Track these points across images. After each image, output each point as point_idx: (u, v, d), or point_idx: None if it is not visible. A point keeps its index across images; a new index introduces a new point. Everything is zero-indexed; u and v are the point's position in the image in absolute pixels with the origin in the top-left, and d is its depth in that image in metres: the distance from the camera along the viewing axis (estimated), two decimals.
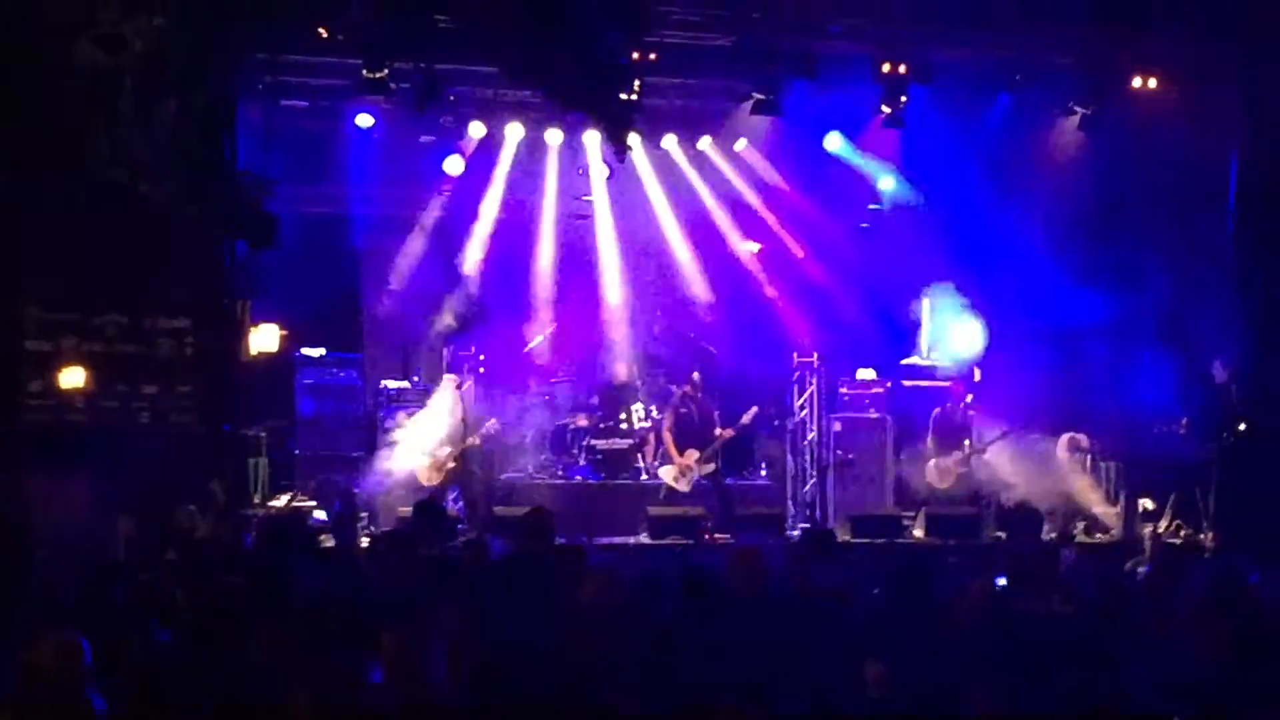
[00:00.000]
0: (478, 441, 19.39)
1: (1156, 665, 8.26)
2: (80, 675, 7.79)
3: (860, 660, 7.66)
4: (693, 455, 19.73)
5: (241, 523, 16.51)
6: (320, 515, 18.39)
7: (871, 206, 23.34)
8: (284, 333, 20.45)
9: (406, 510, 16.72)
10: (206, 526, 15.65)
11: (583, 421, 21.66)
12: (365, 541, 16.12)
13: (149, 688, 7.94)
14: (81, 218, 16.64)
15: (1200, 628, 6.80)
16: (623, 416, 21.75)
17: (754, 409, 20.32)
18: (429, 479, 19.06)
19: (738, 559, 8.91)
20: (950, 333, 21.98)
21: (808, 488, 21.09)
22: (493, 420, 19.79)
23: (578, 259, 22.93)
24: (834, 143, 22.41)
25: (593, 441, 21.20)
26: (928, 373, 22.07)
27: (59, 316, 17.72)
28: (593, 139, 21.85)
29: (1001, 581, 10.36)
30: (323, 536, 15.93)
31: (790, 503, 20.95)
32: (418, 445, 19.30)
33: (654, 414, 21.53)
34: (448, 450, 19.23)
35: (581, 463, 21.08)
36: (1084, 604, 10.04)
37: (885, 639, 7.87)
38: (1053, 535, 19.18)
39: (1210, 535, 18.65)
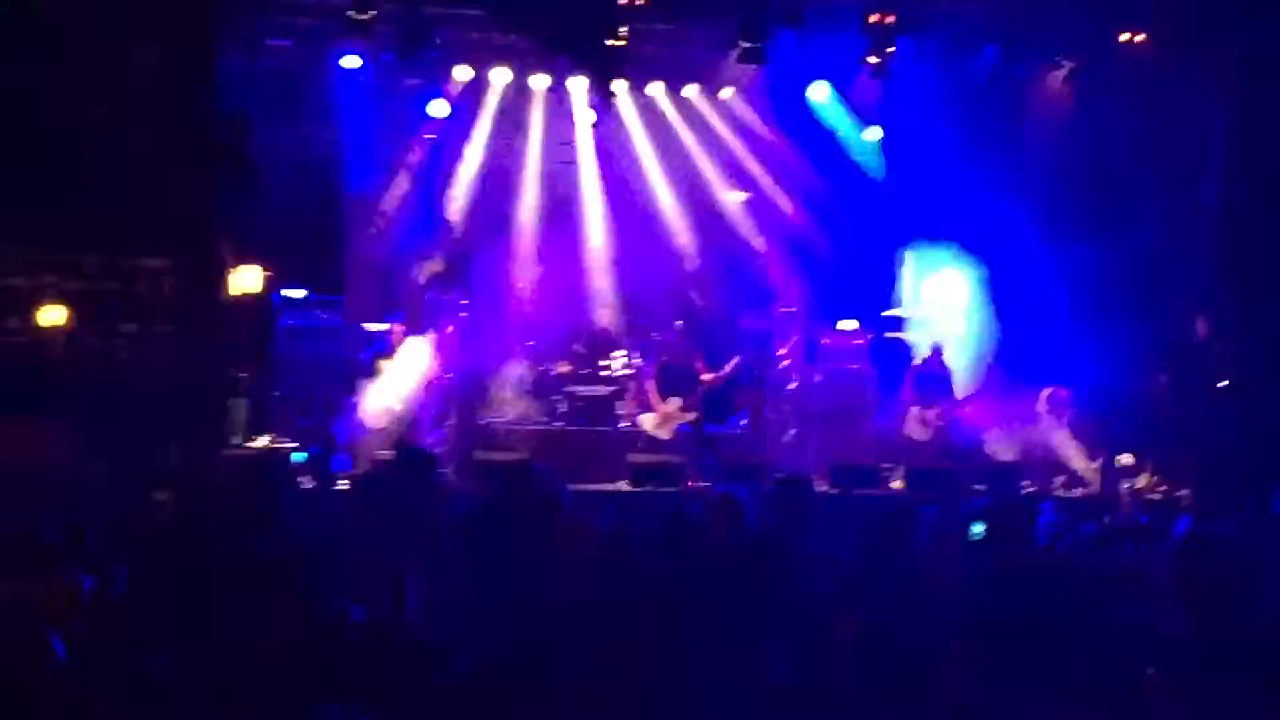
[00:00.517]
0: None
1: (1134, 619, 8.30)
2: (40, 617, 7.79)
3: (834, 613, 7.68)
4: (674, 403, 19.72)
5: (222, 463, 16.48)
6: (300, 456, 18.33)
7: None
8: (266, 273, 20.36)
9: (385, 453, 16.71)
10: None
11: (564, 368, 21.62)
12: (344, 484, 16.14)
13: (111, 630, 7.93)
14: (60, 157, 16.55)
15: (1176, 581, 6.80)
16: (604, 363, 21.74)
17: (737, 358, 20.34)
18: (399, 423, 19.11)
19: (717, 506, 8.90)
20: (934, 286, 21.98)
21: (788, 438, 21.06)
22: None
23: (562, 206, 22.85)
24: (818, 93, 22.34)
25: (574, 388, 21.17)
26: (910, 324, 22.04)
27: (37, 253, 17.64)
28: (579, 85, 21.75)
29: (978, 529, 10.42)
30: (302, 478, 15.97)
31: (771, 452, 20.92)
32: (393, 390, 19.33)
33: (636, 361, 21.52)
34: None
35: (562, 409, 21.05)
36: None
37: (860, 593, 7.89)
38: (1032, 490, 19.21)
39: (1189, 491, 18.72)
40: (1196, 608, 6.93)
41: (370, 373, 19.51)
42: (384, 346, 20.00)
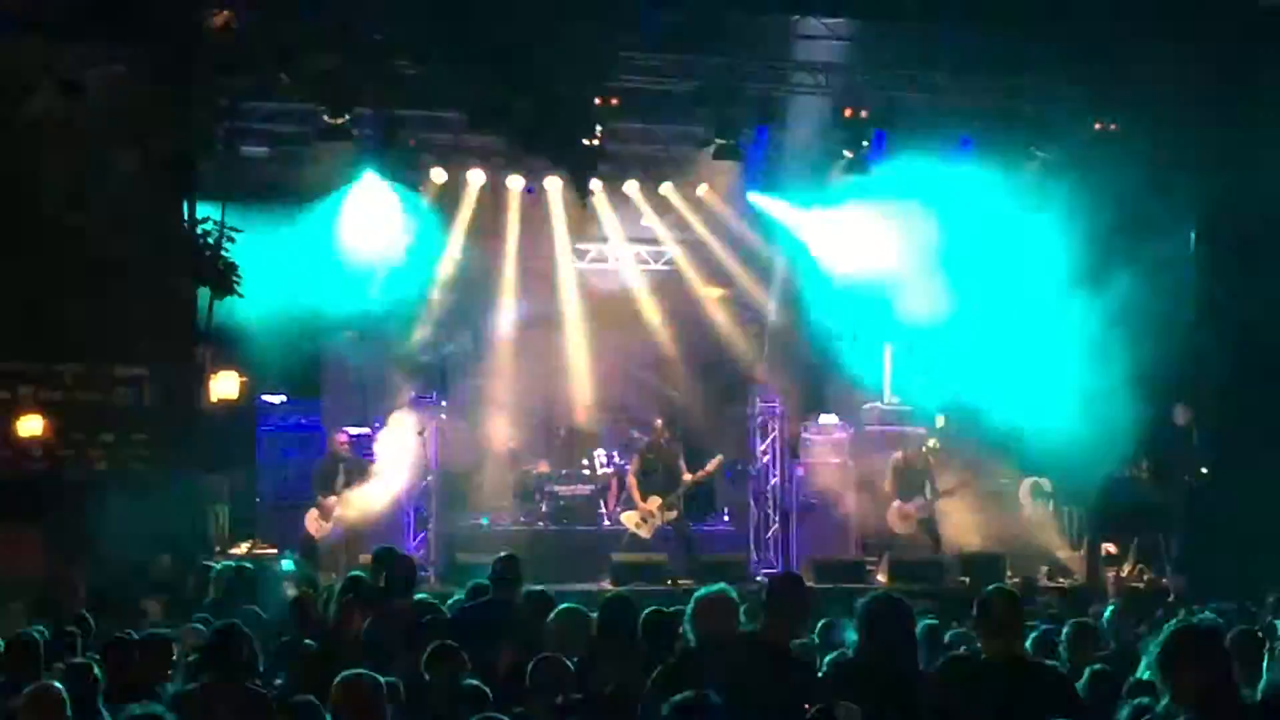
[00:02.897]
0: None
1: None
2: None
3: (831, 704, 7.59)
4: (655, 501, 19.67)
5: (203, 572, 16.35)
6: (288, 565, 18.24)
7: None
8: (244, 379, 20.31)
9: (366, 557, 16.61)
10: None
11: (544, 468, 21.58)
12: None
13: None
14: (39, 265, 16.52)
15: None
16: (585, 463, 21.72)
17: (719, 456, 20.32)
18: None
19: (707, 603, 8.81)
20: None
21: (770, 533, 21.01)
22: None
23: (540, 305, 22.86)
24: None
25: (555, 488, 21.13)
26: (890, 418, 22.05)
27: (16, 365, 17.58)
28: (554, 184, 21.82)
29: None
30: (285, 584, 15.86)
31: (753, 548, 20.85)
32: (378, 493, 19.31)
33: (615, 460, 21.50)
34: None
35: (544, 509, 20.99)
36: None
37: (859, 683, 7.81)
38: (1016, 580, 19.15)
39: (1174, 579, 18.70)
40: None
41: (350, 477, 19.45)
42: (363, 451, 19.99)
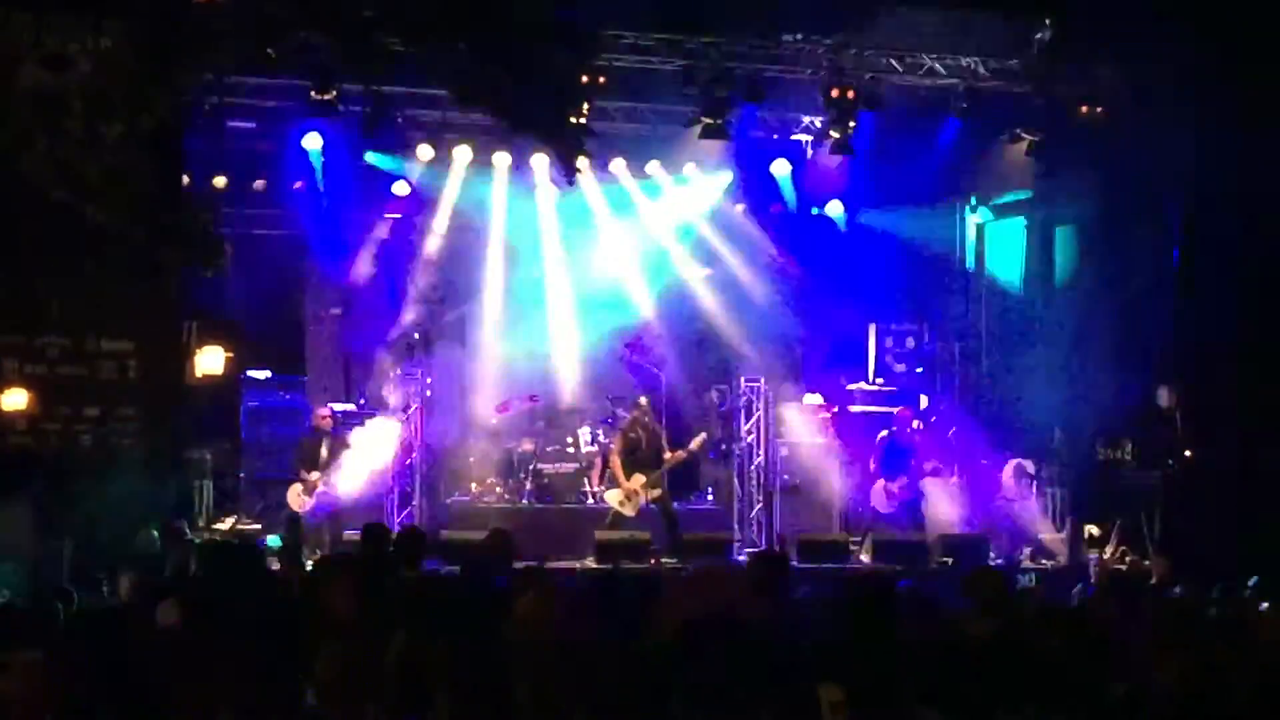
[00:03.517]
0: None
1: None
2: (48, 695, 7.74)
3: (813, 684, 7.62)
4: (639, 480, 19.67)
5: (187, 547, 16.37)
6: (270, 539, 18.26)
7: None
8: (229, 355, 20.31)
9: (353, 534, 16.63)
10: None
11: (528, 446, 21.59)
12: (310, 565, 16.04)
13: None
14: (24, 239, 16.51)
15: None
16: (569, 440, 21.74)
17: (702, 434, 20.34)
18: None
19: (694, 581, 8.88)
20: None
21: (754, 512, 21.05)
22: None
23: (527, 282, 22.84)
24: (781, 169, 22.53)
25: (539, 466, 21.16)
26: (875, 398, 22.11)
27: (0, 339, 17.56)
28: (541, 162, 21.80)
29: None
30: (269, 559, 15.86)
31: (736, 527, 20.89)
32: (362, 469, 19.33)
33: (600, 438, 21.52)
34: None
35: (528, 487, 21.01)
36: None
37: (841, 662, 7.84)
38: (999, 561, 19.23)
39: (1156, 561, 18.74)
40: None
41: (334, 454, 19.44)
42: (347, 427, 19.99)
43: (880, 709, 6.84)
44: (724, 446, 21.60)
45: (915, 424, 21.08)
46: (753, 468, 21.18)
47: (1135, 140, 19.45)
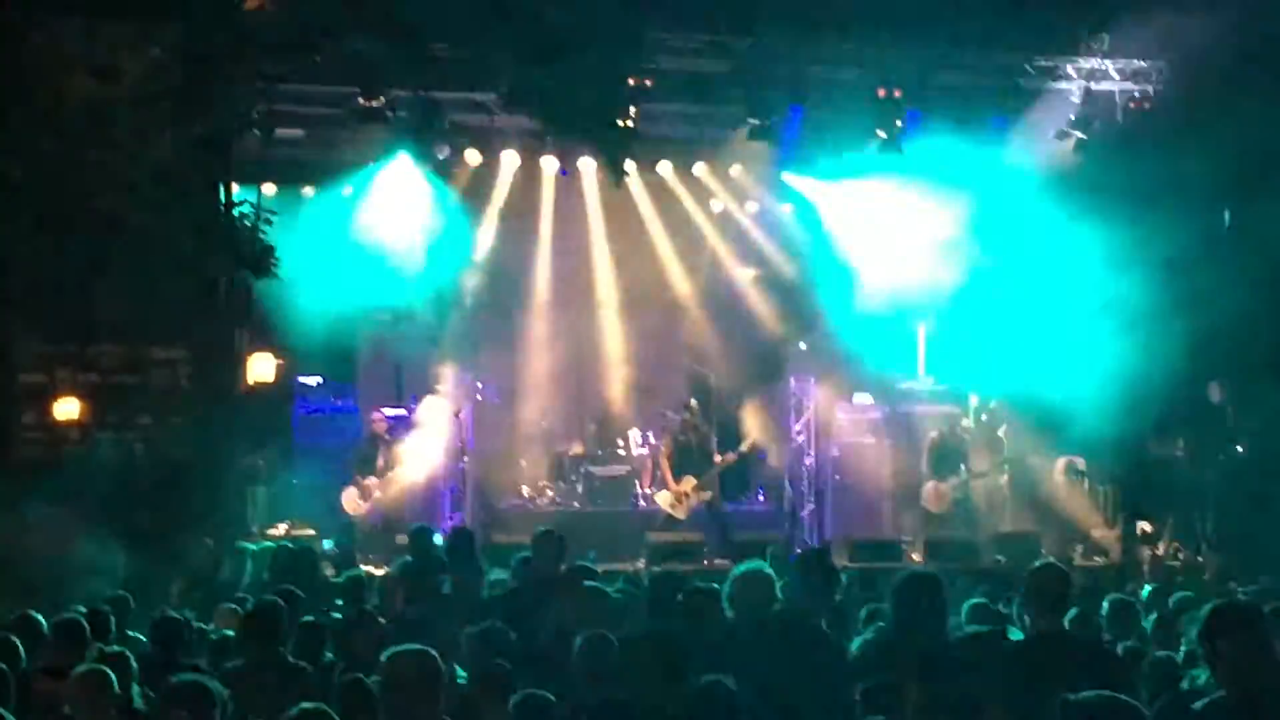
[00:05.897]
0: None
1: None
2: (111, 704, 7.84)
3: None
4: (689, 482, 19.70)
5: (240, 553, 16.44)
6: (326, 544, 18.36)
7: None
8: (280, 361, 20.39)
9: (403, 538, 16.69)
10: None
11: (579, 449, 21.64)
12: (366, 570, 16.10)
13: None
14: (76, 248, 16.60)
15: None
16: (620, 443, 21.77)
17: (752, 438, 20.32)
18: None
19: (741, 581, 8.87)
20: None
21: (805, 513, 21.04)
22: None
23: (575, 286, 22.86)
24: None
25: (590, 469, 21.20)
26: (925, 397, 22.03)
27: (53, 349, 17.69)
28: (588, 165, 21.81)
29: None
30: (324, 564, 15.96)
31: (788, 528, 20.87)
32: (417, 472, 19.41)
33: (650, 440, 21.54)
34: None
35: (579, 490, 21.06)
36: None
37: (890, 660, 7.84)
38: (1051, 559, 19.12)
39: (1209, 557, 18.65)
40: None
41: (388, 458, 19.52)
42: (399, 432, 20.06)
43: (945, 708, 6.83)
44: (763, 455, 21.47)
45: (965, 422, 21.02)
46: (804, 468, 21.17)
47: (1182, 134, 19.31)
